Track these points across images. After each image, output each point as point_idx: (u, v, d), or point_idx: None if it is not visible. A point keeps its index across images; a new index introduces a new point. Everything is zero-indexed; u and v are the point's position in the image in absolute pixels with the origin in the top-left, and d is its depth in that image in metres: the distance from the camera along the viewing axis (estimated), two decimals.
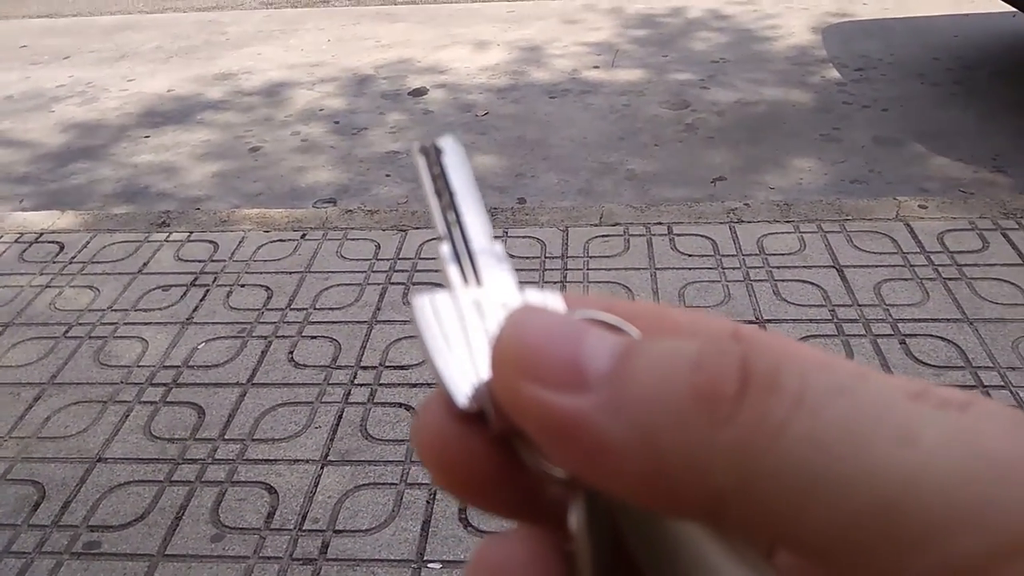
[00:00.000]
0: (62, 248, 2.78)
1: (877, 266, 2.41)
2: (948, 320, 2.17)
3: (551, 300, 0.21)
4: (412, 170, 3.42)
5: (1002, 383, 1.95)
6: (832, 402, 0.17)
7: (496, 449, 0.20)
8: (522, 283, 0.21)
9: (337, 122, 3.94)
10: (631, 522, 0.20)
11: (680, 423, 0.17)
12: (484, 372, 0.20)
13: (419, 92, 4.21)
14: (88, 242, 2.80)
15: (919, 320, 2.18)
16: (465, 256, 0.22)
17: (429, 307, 0.21)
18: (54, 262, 2.70)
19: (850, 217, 2.66)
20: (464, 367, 0.20)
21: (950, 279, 2.33)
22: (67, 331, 2.36)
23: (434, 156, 0.23)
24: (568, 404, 0.18)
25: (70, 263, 2.69)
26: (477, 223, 0.22)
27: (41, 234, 2.86)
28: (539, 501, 0.21)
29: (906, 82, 3.93)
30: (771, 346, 0.18)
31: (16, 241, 2.82)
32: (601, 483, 0.18)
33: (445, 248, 0.22)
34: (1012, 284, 2.29)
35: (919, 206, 2.69)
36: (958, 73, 3.97)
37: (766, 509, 0.17)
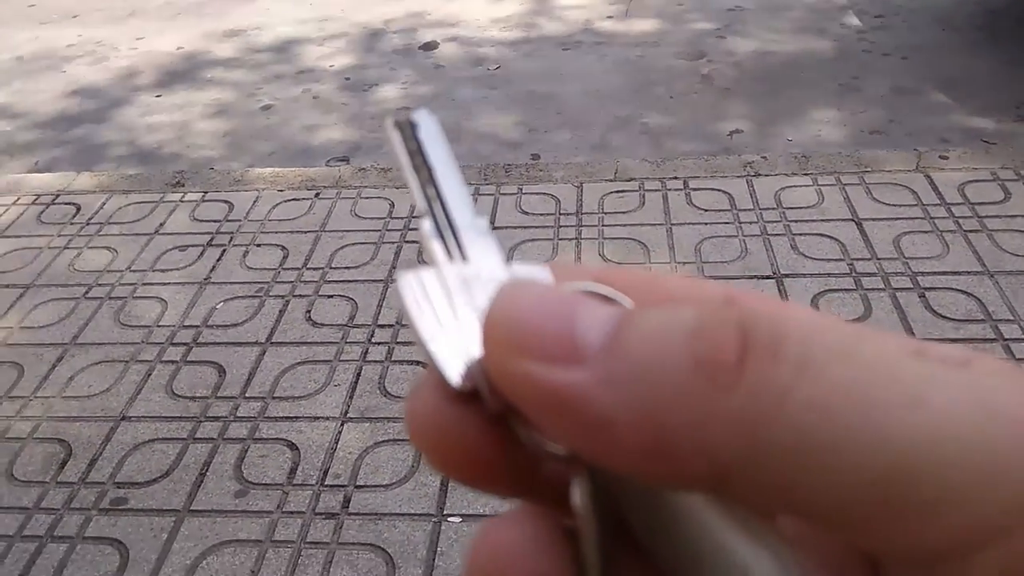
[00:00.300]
0: (79, 209, 2.79)
1: (896, 219, 2.38)
2: (969, 273, 2.15)
3: (539, 274, 0.21)
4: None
5: (1023, 335, 1.94)
6: (836, 366, 0.16)
7: (492, 428, 0.20)
8: (508, 257, 0.21)
9: (348, 78, 3.90)
10: (632, 497, 0.19)
11: (680, 393, 0.17)
12: (476, 350, 0.19)
13: (430, 46, 4.16)
14: (104, 203, 2.81)
15: (939, 273, 2.16)
16: (448, 232, 0.21)
17: (415, 284, 0.20)
18: (72, 223, 2.72)
19: (869, 169, 2.62)
20: (455, 345, 0.20)
21: (971, 231, 2.30)
22: (87, 292, 2.38)
23: (409, 131, 0.22)
24: (563, 378, 0.17)
25: (87, 224, 2.71)
26: (458, 198, 0.22)
27: (57, 195, 2.87)
28: (538, 479, 0.21)
29: (927, 29, 3.84)
30: (769, 311, 0.18)
31: (33, 203, 2.84)
32: (601, 458, 0.18)
33: (427, 224, 0.21)
34: None
35: (940, 157, 2.65)
36: (981, 19, 3.87)
37: (773, 478, 0.16)
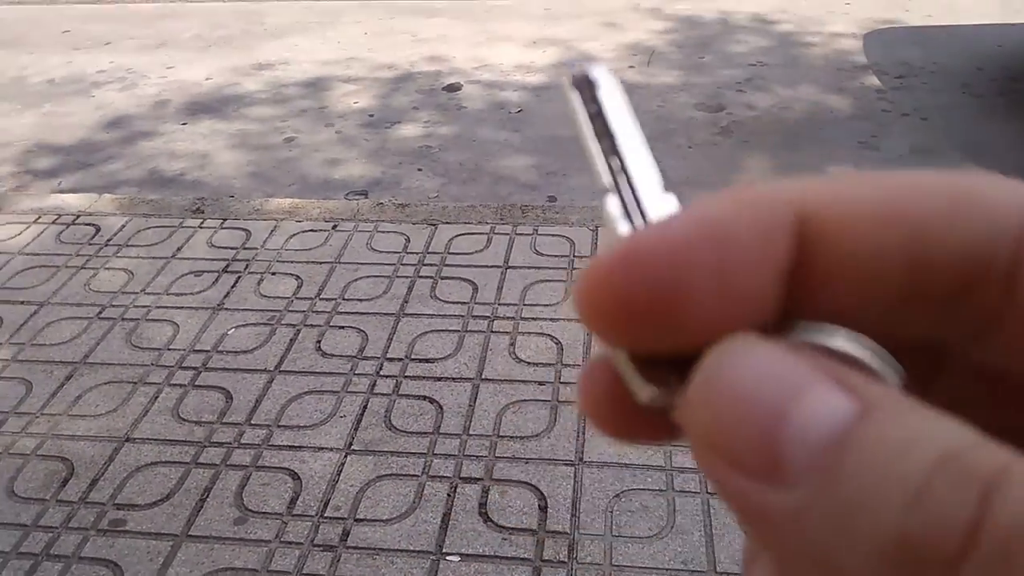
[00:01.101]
0: (98, 231, 2.82)
1: None
2: None
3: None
4: (444, 166, 3.43)
5: None
6: None
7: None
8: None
9: (371, 115, 3.96)
10: None
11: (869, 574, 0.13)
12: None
13: (453, 88, 4.22)
14: (124, 226, 2.85)
15: None
16: (636, 212, 0.19)
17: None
18: (90, 244, 2.75)
19: None
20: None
21: None
22: (100, 312, 2.40)
23: (588, 91, 0.19)
24: (758, 496, 0.15)
25: (105, 245, 2.73)
26: (646, 171, 0.19)
27: (78, 216, 2.91)
28: None
29: (948, 92, 3.86)
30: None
31: (53, 223, 2.87)
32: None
33: (612, 203, 0.19)
34: None
35: None
36: (1002, 84, 3.90)
37: None
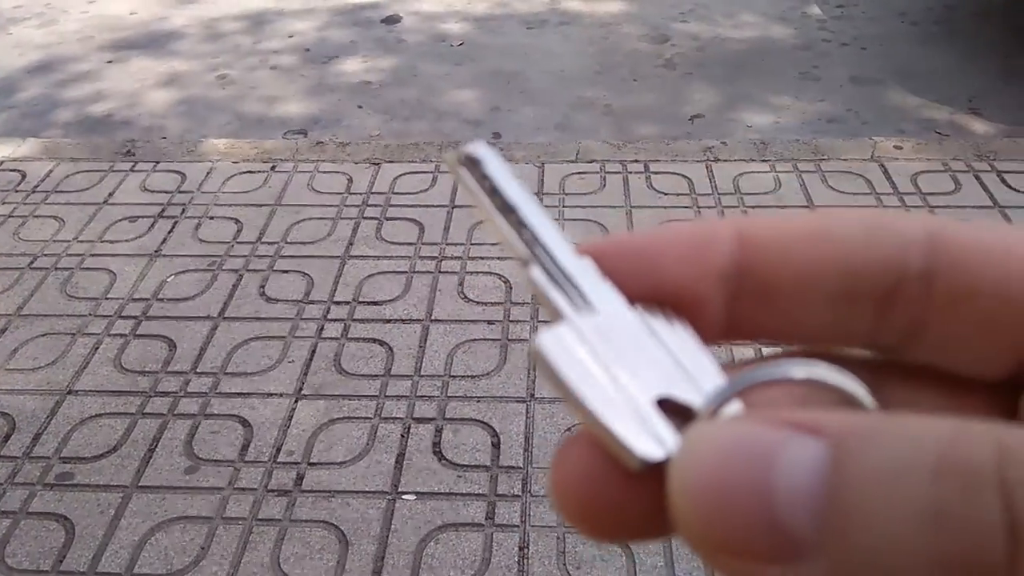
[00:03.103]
0: (24, 177, 2.70)
1: (851, 206, 2.42)
2: None
3: (682, 335, 0.18)
4: (385, 102, 3.35)
5: None
6: None
7: (659, 490, 0.17)
8: (631, 302, 0.19)
9: (308, 50, 3.83)
10: None
11: None
12: (647, 413, 0.17)
13: (392, 20, 4.09)
14: (51, 171, 2.72)
15: None
16: (561, 278, 0.19)
17: (558, 347, 0.18)
18: (16, 191, 2.63)
19: (826, 157, 2.65)
20: (627, 415, 0.17)
21: None
22: (32, 262, 2.31)
23: (477, 169, 0.20)
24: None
25: (33, 192, 2.62)
26: (556, 237, 0.20)
27: (2, 162, 2.77)
28: None
29: (886, 20, 3.89)
30: None
31: None
32: None
33: (536, 272, 0.19)
34: None
35: (894, 147, 2.70)
36: (939, 13, 3.94)
37: None
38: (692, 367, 0.19)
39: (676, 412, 0.18)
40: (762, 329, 0.19)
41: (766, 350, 0.21)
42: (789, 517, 0.14)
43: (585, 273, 0.19)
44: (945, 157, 2.63)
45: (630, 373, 0.18)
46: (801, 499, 0.14)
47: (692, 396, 0.18)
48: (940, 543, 0.12)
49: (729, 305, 0.19)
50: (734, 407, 0.18)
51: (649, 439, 0.17)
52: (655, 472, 0.17)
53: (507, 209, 0.20)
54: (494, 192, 0.20)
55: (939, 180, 2.52)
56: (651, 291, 0.19)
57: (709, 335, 0.19)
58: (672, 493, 0.15)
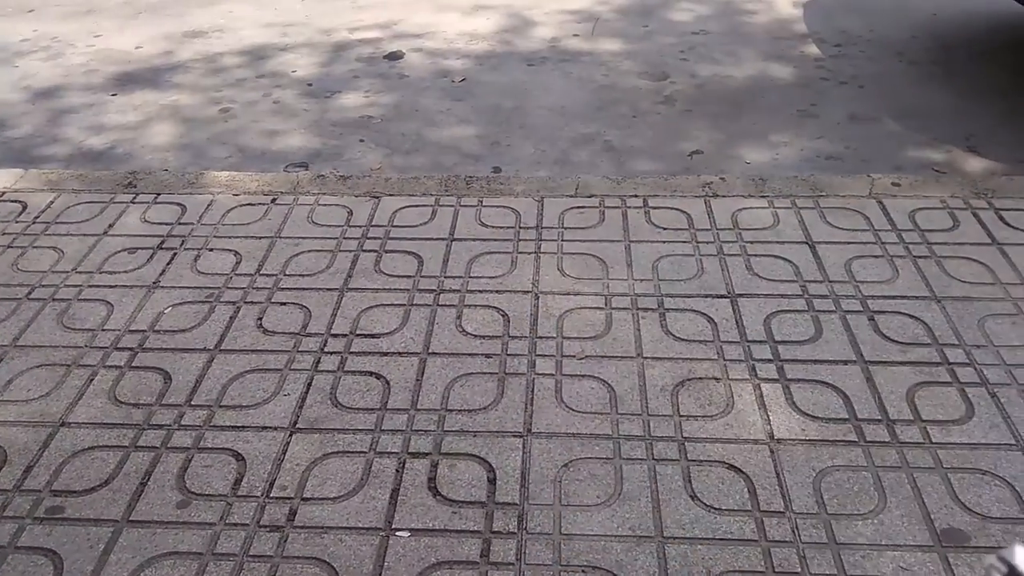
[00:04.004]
0: (25, 207, 2.71)
1: (849, 243, 2.42)
2: (916, 298, 2.19)
3: None
4: (386, 136, 3.37)
5: (967, 360, 1.98)
6: None
7: None
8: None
9: (310, 84, 3.87)
10: None
11: None
12: None
13: (395, 56, 4.14)
14: (52, 202, 2.73)
15: (888, 297, 2.20)
16: None
17: None
18: (16, 221, 2.64)
19: (824, 193, 2.66)
20: None
21: (920, 257, 2.35)
22: (30, 293, 2.31)
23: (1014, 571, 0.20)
24: None
25: (33, 223, 2.63)
26: None
27: (3, 193, 2.79)
28: None
29: (884, 59, 3.93)
30: None
31: None
32: None
33: None
34: (980, 263, 2.32)
35: (892, 184, 2.71)
36: (936, 53, 3.98)
37: None
38: None
39: None
40: None
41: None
42: None
43: None
44: (943, 194, 2.64)
45: None
46: None
47: None
48: None
49: None
50: None
51: None
52: None
53: None
54: None
55: (937, 217, 2.53)
56: None
57: None
58: None
